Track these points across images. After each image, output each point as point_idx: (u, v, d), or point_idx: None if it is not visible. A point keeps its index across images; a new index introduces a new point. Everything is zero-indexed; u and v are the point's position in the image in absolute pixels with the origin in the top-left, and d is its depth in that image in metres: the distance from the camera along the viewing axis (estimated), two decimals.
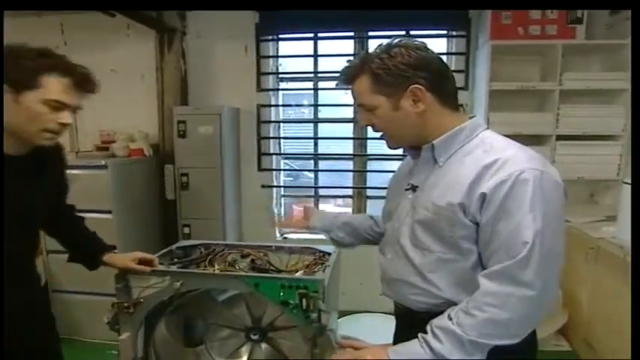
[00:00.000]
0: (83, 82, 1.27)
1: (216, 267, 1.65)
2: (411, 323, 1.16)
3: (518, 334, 1.01)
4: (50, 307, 1.64)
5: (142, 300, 1.60)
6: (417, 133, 1.15)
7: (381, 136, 1.22)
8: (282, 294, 1.52)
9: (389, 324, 2.70)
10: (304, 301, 1.53)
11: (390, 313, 2.72)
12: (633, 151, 0.80)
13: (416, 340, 1.06)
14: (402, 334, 1.14)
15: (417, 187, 1.19)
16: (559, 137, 3.00)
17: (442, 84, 1.13)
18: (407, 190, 1.22)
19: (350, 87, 1.18)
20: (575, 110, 2.99)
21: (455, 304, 1.08)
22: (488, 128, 1.18)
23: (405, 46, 1.10)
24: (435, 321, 1.05)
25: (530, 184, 0.97)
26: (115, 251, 1.61)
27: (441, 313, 1.08)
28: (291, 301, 1.53)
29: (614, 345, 2.41)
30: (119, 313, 1.62)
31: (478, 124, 1.16)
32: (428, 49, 1.13)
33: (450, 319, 1.02)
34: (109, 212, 2.89)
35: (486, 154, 1.05)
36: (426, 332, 1.06)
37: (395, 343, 1.25)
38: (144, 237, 3.20)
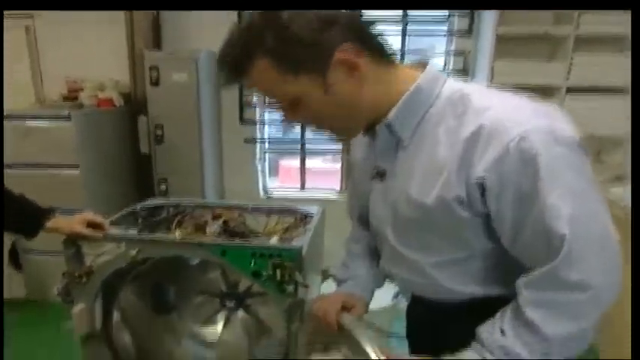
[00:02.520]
0: None
1: (178, 233, 1.49)
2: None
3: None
4: None
5: (94, 269, 1.46)
6: (365, 113, 0.88)
7: (324, 132, 0.94)
8: (253, 263, 1.38)
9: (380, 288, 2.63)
10: (278, 272, 1.39)
11: None
12: (633, 152, 0.78)
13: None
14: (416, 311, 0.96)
15: (384, 172, 0.95)
16: (569, 90, 2.80)
17: (370, 36, 0.85)
18: (374, 177, 0.98)
19: (247, 82, 0.85)
20: (591, 58, 2.77)
21: (483, 297, 0.89)
22: (448, 77, 0.90)
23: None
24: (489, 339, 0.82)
25: (539, 151, 0.72)
26: (58, 214, 1.45)
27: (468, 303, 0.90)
28: (264, 272, 1.39)
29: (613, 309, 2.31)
30: (70, 283, 1.49)
31: (435, 76, 0.88)
32: None
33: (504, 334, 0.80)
34: (76, 167, 2.72)
35: (461, 122, 0.80)
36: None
37: (409, 315, 1.11)
38: (116, 195, 3.04)
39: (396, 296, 2.40)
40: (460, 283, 0.91)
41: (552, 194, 0.73)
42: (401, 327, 1.20)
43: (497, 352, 0.79)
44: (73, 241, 1.45)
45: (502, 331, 0.80)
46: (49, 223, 1.41)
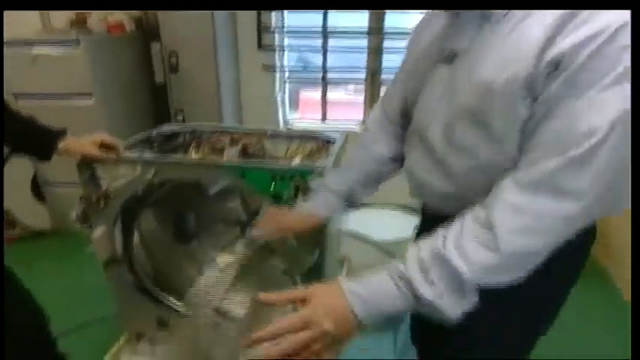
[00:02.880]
0: None
1: (195, 154, 1.43)
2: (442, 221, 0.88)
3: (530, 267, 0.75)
4: None
5: (111, 193, 1.42)
6: None
7: None
8: (273, 186, 1.32)
9: (400, 219, 2.58)
10: (300, 194, 1.33)
11: (401, 206, 2.61)
12: (633, 151, 0.69)
13: (386, 276, 0.77)
14: (428, 228, 0.89)
15: (456, 54, 0.85)
16: None
17: None
18: (440, 61, 0.88)
19: None
20: None
21: None
22: None
23: None
24: (424, 248, 0.77)
25: (627, 47, 0.64)
26: (70, 136, 1.39)
27: None
28: (285, 194, 1.33)
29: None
30: (87, 207, 1.45)
31: None
32: None
33: (444, 246, 0.74)
34: (89, 95, 2.64)
35: None
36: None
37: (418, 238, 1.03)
38: (132, 126, 2.96)
39: (416, 227, 2.35)
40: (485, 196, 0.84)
41: (614, 89, 0.65)
42: None
43: (429, 268, 0.74)
44: (86, 163, 1.40)
45: (443, 243, 0.75)
46: (61, 145, 1.35)
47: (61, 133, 1.37)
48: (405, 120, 1.07)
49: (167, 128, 1.79)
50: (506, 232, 0.71)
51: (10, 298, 1.49)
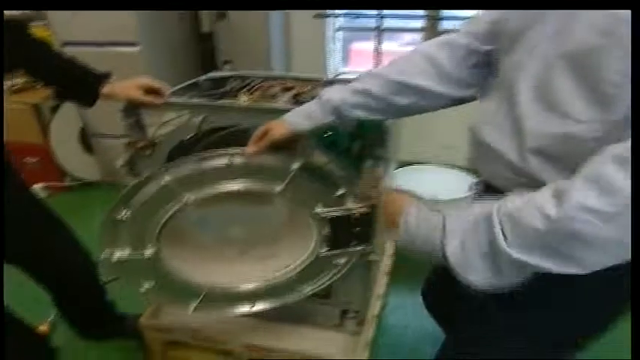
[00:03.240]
0: None
1: (245, 98, 1.33)
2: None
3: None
4: None
5: (157, 140, 1.34)
6: None
7: None
8: (327, 134, 1.20)
9: (455, 178, 2.46)
10: (357, 144, 1.21)
11: (455, 166, 2.47)
12: (633, 152, 0.56)
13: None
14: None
15: None
16: None
17: None
18: None
19: None
20: None
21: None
22: None
23: None
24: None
25: None
26: (113, 79, 1.31)
27: None
28: (340, 144, 1.21)
29: None
30: (134, 155, 1.39)
31: None
32: None
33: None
34: (134, 45, 2.58)
35: None
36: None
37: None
38: (178, 76, 2.90)
39: (472, 187, 2.22)
40: (553, 173, 0.72)
41: None
42: None
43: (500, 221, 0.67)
44: (132, 109, 1.33)
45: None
46: (105, 89, 1.28)
47: (105, 76, 1.30)
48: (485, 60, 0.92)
49: (215, 74, 1.69)
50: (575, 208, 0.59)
51: (62, 245, 1.48)
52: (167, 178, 1.16)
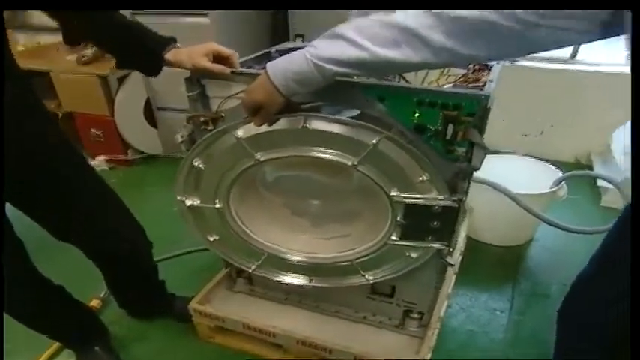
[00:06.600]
0: None
1: None
2: None
3: None
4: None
5: (223, 114, 1.27)
6: None
7: None
8: (418, 114, 1.07)
9: (536, 168, 2.30)
10: (450, 127, 1.07)
11: (537, 158, 2.28)
12: (633, 152, 0.61)
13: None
14: None
15: None
16: None
17: None
18: None
19: None
20: None
21: None
22: None
23: None
24: None
25: None
26: (178, 45, 1.24)
27: None
28: (431, 127, 1.08)
29: None
30: (196, 129, 1.33)
31: None
32: None
33: None
34: (205, 15, 2.55)
35: None
36: None
37: None
38: (248, 49, 2.86)
39: (557, 184, 2.12)
40: None
41: None
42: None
43: None
44: (197, 78, 1.26)
45: None
46: (169, 55, 1.21)
47: (169, 41, 1.23)
48: None
49: (288, 45, 1.60)
50: None
51: (115, 222, 1.47)
52: (239, 133, 1.18)
